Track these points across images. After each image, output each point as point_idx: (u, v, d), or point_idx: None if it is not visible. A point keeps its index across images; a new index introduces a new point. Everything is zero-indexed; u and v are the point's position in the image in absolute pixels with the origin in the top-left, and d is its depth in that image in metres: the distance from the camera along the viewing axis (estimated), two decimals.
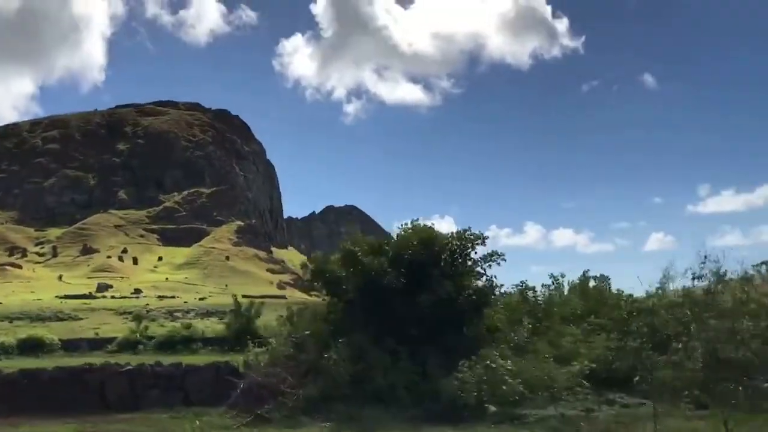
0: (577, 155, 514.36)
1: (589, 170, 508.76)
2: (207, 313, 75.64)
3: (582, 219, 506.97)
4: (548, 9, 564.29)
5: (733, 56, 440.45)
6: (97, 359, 33.65)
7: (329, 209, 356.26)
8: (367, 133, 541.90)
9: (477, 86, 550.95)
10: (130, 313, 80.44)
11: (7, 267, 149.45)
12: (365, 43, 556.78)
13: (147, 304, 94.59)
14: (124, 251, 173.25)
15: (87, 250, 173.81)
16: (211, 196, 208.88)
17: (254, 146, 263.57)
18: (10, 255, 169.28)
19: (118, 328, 61.37)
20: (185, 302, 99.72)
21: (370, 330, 23.70)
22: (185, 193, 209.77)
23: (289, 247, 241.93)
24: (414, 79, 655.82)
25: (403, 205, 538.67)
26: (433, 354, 22.73)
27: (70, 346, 44.55)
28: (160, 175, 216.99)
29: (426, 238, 25.36)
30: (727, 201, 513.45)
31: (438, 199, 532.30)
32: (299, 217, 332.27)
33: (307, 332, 24.77)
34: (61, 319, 73.35)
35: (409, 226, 26.31)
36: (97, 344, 45.12)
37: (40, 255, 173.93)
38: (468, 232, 25.74)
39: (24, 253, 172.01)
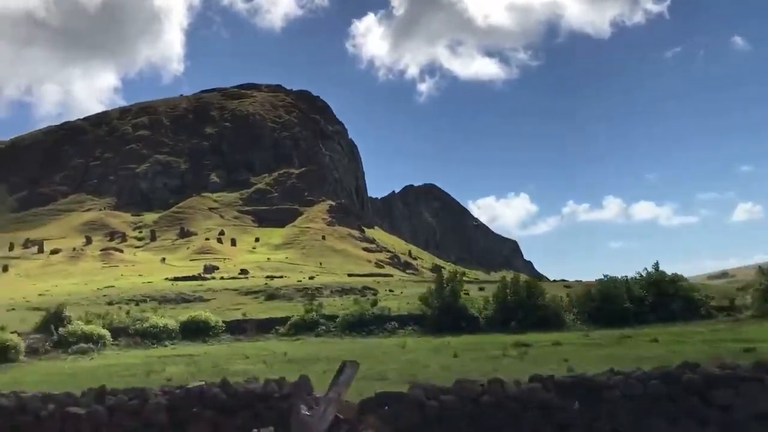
0: (659, 124, 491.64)
1: (672, 140, 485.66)
2: (342, 291, 69.38)
3: (664, 190, 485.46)
4: None
5: None
6: (320, 346, 26.70)
7: (409, 189, 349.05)
8: (441, 110, 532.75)
9: (555, 57, 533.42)
10: (257, 292, 75.09)
11: (111, 251, 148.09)
12: (438, 18, 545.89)
13: (266, 283, 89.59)
14: (221, 233, 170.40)
15: (184, 233, 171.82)
16: (301, 176, 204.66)
17: (336, 126, 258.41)
18: (111, 240, 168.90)
19: (260, 308, 55.56)
20: (299, 281, 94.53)
21: None
22: (275, 174, 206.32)
23: (375, 227, 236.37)
24: (489, 53, 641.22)
25: (480, 183, 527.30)
26: None
27: (235, 328, 38.27)
28: (250, 157, 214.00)
29: None
30: None
31: (514, 176, 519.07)
32: (378, 197, 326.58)
33: None
34: (187, 300, 68.34)
35: None
36: (263, 326, 38.66)
37: (139, 239, 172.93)
38: None
39: (123, 237, 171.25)
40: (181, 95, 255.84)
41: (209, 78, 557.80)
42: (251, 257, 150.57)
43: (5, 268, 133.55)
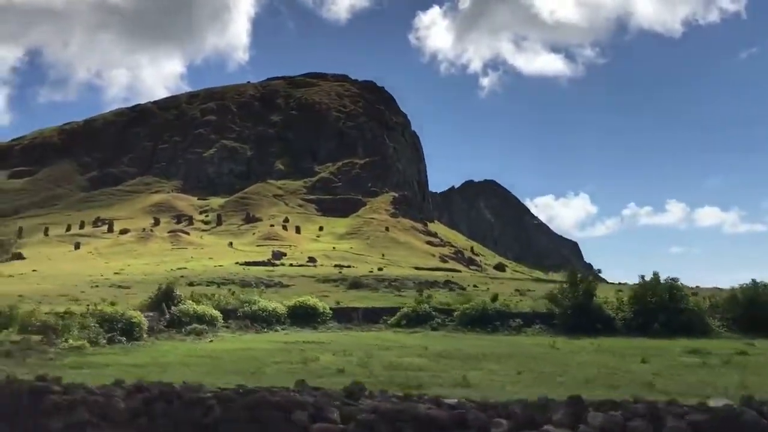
0: (728, 128, 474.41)
1: (741, 144, 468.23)
2: (426, 284, 67.19)
3: (731, 196, 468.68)
4: None
5: None
6: (451, 340, 24.43)
7: (468, 184, 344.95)
8: (503, 105, 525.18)
9: (623, 55, 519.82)
10: (335, 280, 73.65)
11: (179, 233, 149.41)
12: (503, 12, 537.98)
13: (340, 272, 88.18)
14: (286, 220, 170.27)
15: (250, 219, 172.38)
16: (365, 166, 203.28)
17: (400, 118, 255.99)
18: (178, 222, 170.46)
19: (348, 297, 53.82)
20: (370, 271, 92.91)
21: None
22: (339, 163, 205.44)
23: (435, 221, 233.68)
24: (555, 49, 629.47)
25: (539, 181, 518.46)
26: None
27: (341, 316, 36.48)
28: (314, 146, 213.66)
29: None
30: None
31: (574, 175, 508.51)
32: (437, 192, 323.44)
33: None
34: (269, 285, 67.23)
35: None
36: (369, 315, 36.78)
37: (206, 223, 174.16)
38: None
39: (190, 220, 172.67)
40: (248, 82, 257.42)
41: (274, 67, 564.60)
42: (316, 245, 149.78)
43: (77, 246, 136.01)
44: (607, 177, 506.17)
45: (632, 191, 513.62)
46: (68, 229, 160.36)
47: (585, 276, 34.56)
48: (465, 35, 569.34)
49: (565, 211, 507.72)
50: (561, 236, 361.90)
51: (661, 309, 30.27)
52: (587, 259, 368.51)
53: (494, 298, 35.40)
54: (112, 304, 31.30)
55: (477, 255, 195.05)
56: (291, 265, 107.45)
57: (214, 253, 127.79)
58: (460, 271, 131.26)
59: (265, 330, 32.47)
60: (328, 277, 77.11)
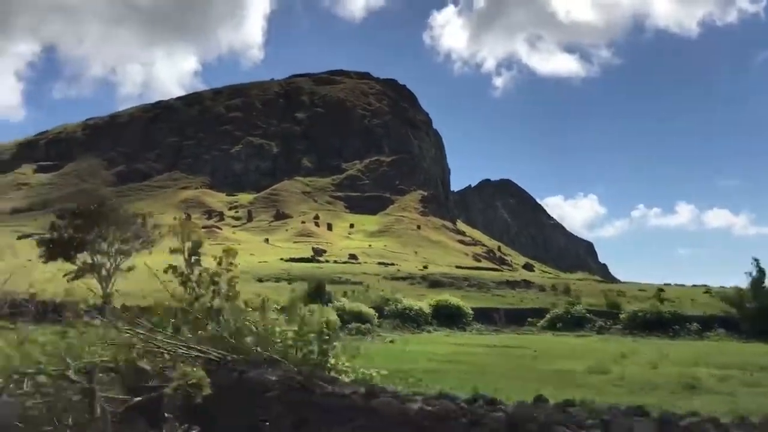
0: (740, 130, 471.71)
1: (753, 146, 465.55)
2: (508, 284, 65.47)
3: (741, 199, 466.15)
4: None
5: None
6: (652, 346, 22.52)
7: (485, 183, 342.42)
8: (516, 105, 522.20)
9: (639, 56, 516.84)
10: (411, 278, 71.94)
11: (214, 229, 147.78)
12: (518, 12, 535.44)
13: (398, 270, 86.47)
14: (316, 217, 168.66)
15: (280, 215, 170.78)
16: (392, 164, 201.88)
17: (422, 116, 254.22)
18: (209, 218, 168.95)
19: (440, 295, 52.10)
20: (421, 268, 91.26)
21: None
22: (366, 161, 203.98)
23: (457, 220, 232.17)
24: (570, 49, 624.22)
25: (550, 181, 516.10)
26: None
27: (482, 317, 34.67)
28: (340, 143, 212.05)
29: None
30: None
31: (584, 176, 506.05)
32: (454, 191, 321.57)
33: None
34: (340, 282, 65.48)
35: None
36: (512, 316, 34.96)
37: (236, 219, 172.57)
38: None
39: (221, 216, 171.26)
40: (272, 79, 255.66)
41: (289, 65, 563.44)
42: (350, 243, 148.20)
43: None
44: (617, 178, 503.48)
45: (642, 192, 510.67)
46: None
47: None
48: (479, 34, 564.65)
49: (574, 212, 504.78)
50: (576, 236, 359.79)
51: None
52: (601, 259, 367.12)
53: (660, 299, 33.57)
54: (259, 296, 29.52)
55: (505, 255, 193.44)
56: (335, 262, 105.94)
57: (252, 249, 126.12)
58: (500, 270, 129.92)
59: (417, 330, 30.72)
60: (395, 275, 75.40)
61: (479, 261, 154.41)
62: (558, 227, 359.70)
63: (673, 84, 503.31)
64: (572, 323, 31.83)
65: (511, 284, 70.50)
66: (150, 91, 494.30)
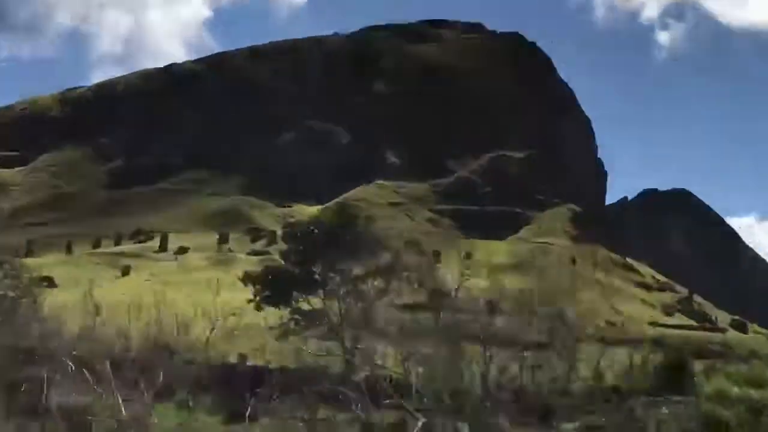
0: None
1: None
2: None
3: None
4: None
5: None
6: None
7: (651, 194, 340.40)
8: (694, 73, 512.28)
9: None
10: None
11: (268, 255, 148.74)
12: None
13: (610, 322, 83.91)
14: (415, 242, 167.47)
15: None
16: (526, 163, 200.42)
17: (563, 90, 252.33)
18: (254, 240, 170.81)
19: None
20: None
21: None
22: (486, 157, 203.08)
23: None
24: None
25: (743, 193, 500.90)
26: None
27: None
28: (443, 131, 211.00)
29: None
30: None
31: None
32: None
33: None
34: None
35: None
36: None
37: None
38: None
39: (272, 238, 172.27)
40: (335, 33, 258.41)
41: (358, 13, 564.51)
42: (471, 283, 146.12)
43: (126, 271, 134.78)
44: None
45: None
46: (97, 244, 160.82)
47: None
48: None
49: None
50: None
51: None
52: None
53: None
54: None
55: (699, 305, 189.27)
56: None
57: None
58: (723, 332, 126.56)
59: None
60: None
61: (670, 315, 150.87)
62: (759, 261, 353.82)
63: None
64: None
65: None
66: (138, 50, 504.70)
